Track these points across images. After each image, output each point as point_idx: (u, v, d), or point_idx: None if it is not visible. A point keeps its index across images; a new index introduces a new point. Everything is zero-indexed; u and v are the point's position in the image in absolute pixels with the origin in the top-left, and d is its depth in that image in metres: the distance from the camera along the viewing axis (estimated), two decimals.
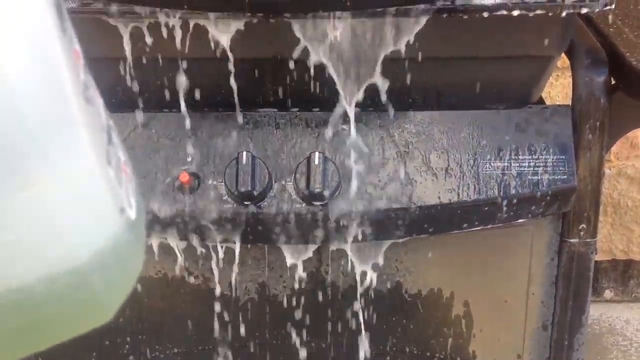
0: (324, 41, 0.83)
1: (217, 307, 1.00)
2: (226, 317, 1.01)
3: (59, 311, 0.43)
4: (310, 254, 0.95)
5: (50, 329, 0.44)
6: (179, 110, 0.90)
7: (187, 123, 0.90)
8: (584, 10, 0.85)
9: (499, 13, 0.83)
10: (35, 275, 0.41)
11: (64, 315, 0.44)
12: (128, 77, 0.87)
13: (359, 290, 0.99)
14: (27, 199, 0.40)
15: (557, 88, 1.53)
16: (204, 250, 0.96)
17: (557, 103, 0.98)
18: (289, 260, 0.95)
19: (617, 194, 1.63)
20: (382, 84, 0.87)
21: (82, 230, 0.43)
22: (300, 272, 0.98)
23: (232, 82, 0.86)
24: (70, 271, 0.42)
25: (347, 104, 0.90)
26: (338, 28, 0.83)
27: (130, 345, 1.04)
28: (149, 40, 0.84)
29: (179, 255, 0.95)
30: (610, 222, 1.65)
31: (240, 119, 0.90)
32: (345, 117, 0.91)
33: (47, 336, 0.44)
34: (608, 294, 1.73)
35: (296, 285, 0.99)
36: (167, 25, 0.83)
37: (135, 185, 0.48)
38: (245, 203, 0.88)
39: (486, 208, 0.91)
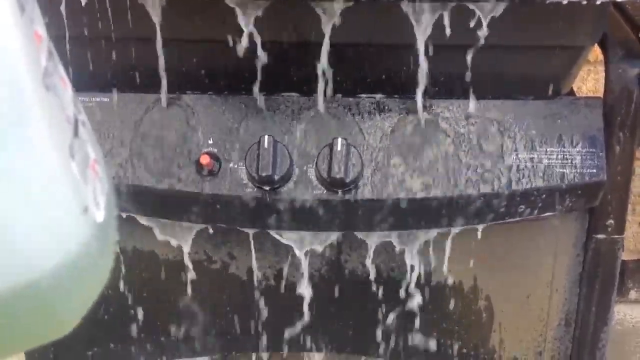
0: (346, 25, 0.81)
1: (234, 292, 0.99)
2: (243, 302, 1.00)
3: (9, 326, 0.39)
4: (329, 242, 0.94)
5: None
6: (202, 92, 0.90)
7: (210, 105, 0.89)
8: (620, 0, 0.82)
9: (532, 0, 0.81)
10: None
11: (15, 330, 0.40)
12: (152, 57, 0.86)
13: (378, 281, 0.98)
14: None
15: (589, 83, 1.50)
16: (222, 234, 0.95)
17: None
18: (308, 248, 0.94)
19: None
20: (410, 71, 0.85)
21: (38, 236, 0.38)
22: (320, 260, 0.97)
23: (256, 65, 0.85)
24: (23, 286, 0.37)
25: (372, 90, 0.89)
26: (362, 12, 0.81)
27: (143, 328, 1.03)
28: (170, 21, 0.83)
29: (194, 238, 0.94)
30: (638, 221, 1.62)
31: (263, 102, 0.89)
32: (369, 103, 0.89)
33: None
34: (633, 294, 1.70)
35: (314, 274, 0.98)
36: (188, 4, 0.83)
37: (106, 186, 0.44)
38: (266, 188, 0.87)
39: (512, 200, 0.89)
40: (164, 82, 0.88)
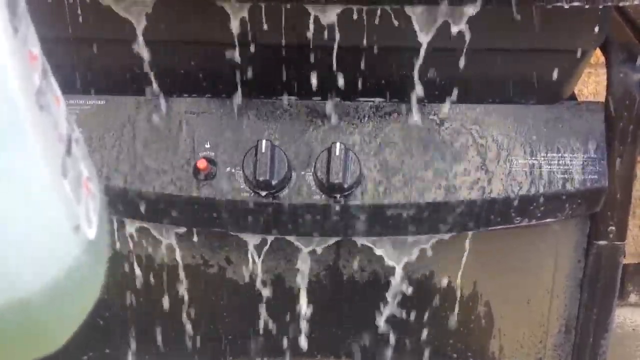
0: (345, 29, 0.80)
1: (230, 298, 0.98)
2: (239, 307, 0.99)
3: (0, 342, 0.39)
4: (327, 247, 0.93)
5: None
6: (200, 95, 0.89)
7: (207, 108, 0.88)
8: (622, 4, 0.81)
9: (534, 4, 0.80)
10: None
11: (5, 346, 0.40)
12: (149, 60, 0.85)
13: (376, 286, 0.97)
14: None
15: (590, 86, 1.49)
16: (219, 239, 0.94)
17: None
18: (306, 254, 0.93)
19: None
20: (409, 75, 0.84)
21: (29, 255, 0.38)
22: (317, 266, 0.97)
23: (253, 68, 0.84)
24: (13, 304, 0.37)
25: (371, 94, 0.88)
26: (359, 15, 0.81)
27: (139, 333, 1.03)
28: (167, 23, 0.82)
29: (192, 244, 0.94)
30: (639, 224, 1.62)
31: (261, 106, 0.88)
32: (368, 107, 0.88)
33: None
34: (633, 297, 1.69)
35: (312, 279, 0.98)
36: (184, 7, 0.82)
37: (99, 204, 0.44)
38: (263, 193, 0.86)
39: (513, 207, 0.89)
40: (162, 86, 0.87)
